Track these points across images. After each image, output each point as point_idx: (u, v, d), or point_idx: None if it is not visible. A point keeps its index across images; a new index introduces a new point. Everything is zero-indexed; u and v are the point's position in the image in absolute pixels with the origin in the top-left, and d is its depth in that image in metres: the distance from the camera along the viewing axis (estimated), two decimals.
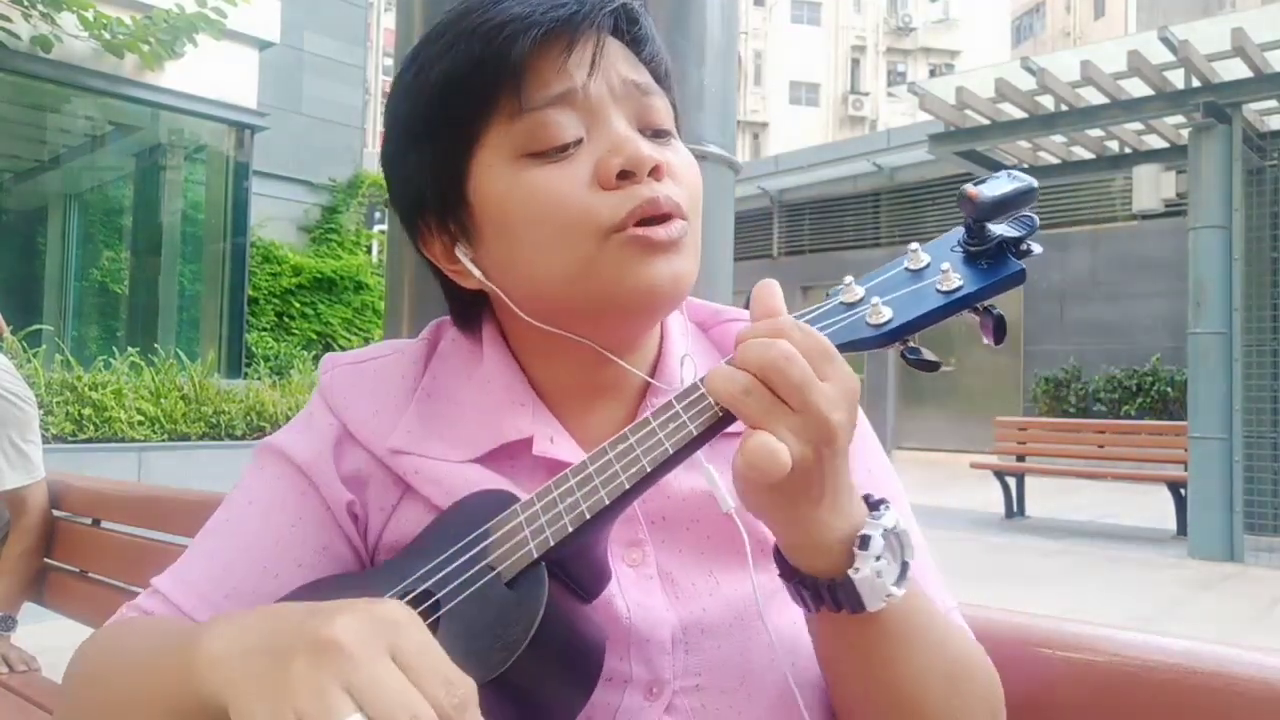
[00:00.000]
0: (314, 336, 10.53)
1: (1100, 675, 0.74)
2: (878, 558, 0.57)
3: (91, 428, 5.50)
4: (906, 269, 0.60)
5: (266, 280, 10.37)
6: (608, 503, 0.55)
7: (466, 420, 0.70)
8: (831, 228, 16.30)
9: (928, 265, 0.59)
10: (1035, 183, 0.57)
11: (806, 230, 16.52)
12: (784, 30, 35.35)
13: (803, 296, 16.47)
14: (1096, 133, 7.81)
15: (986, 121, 7.69)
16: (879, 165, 15.03)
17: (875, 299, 0.58)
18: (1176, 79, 6.80)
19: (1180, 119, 7.05)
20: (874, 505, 0.60)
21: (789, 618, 0.69)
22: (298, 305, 10.57)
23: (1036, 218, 0.58)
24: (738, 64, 1.58)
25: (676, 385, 0.71)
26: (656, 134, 0.68)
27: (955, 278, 0.57)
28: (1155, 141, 7.86)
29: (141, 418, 5.75)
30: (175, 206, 8.76)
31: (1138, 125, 7.52)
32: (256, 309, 10.06)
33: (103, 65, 7.14)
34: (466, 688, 0.46)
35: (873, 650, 0.61)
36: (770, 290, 0.58)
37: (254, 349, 9.60)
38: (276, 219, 10.67)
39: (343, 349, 10.86)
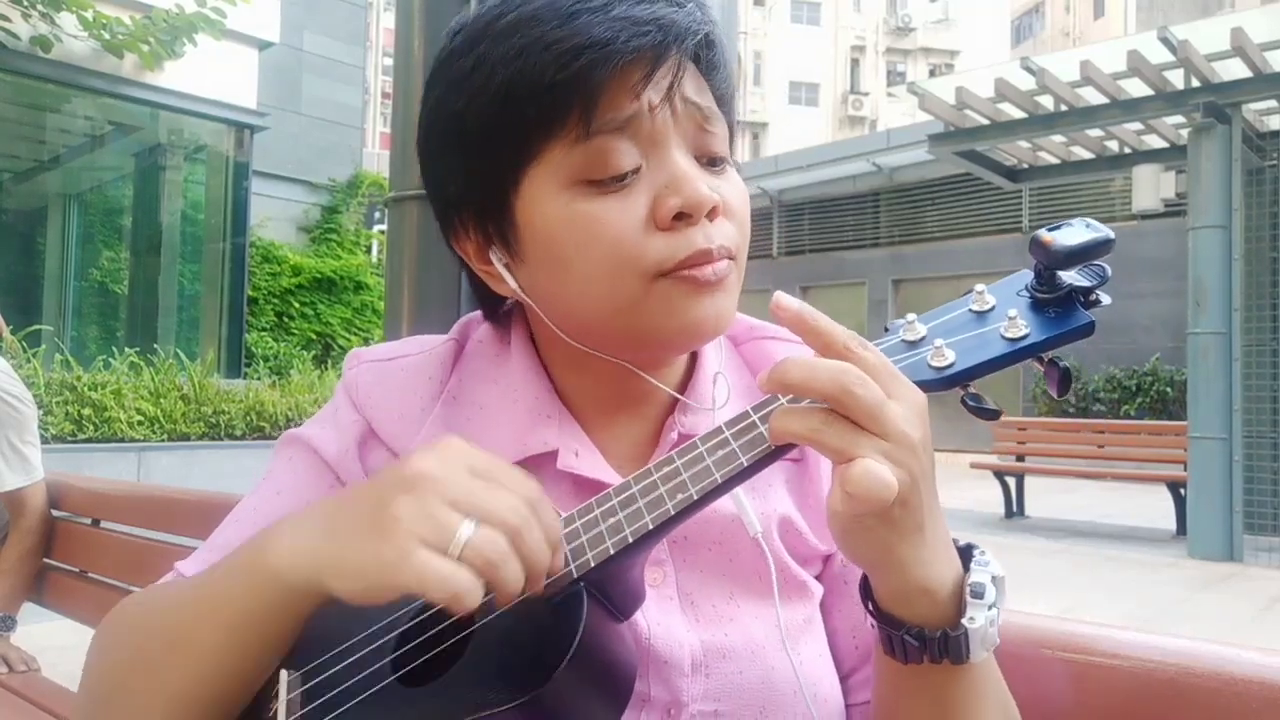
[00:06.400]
0: (313, 336, 10.53)
1: (1099, 675, 0.74)
2: (990, 606, 0.54)
3: (91, 428, 5.50)
4: (971, 310, 0.58)
5: (266, 280, 10.36)
6: (651, 527, 0.54)
7: (491, 428, 0.69)
8: (831, 227, 16.31)
9: (992, 308, 0.58)
10: (1112, 234, 0.55)
11: (806, 230, 16.52)
12: (783, 30, 35.34)
13: (802, 296, 16.48)
14: (1096, 133, 7.81)
15: (986, 121, 7.69)
16: (878, 165, 15.04)
17: (938, 340, 0.57)
18: (1176, 79, 6.80)
19: (1180, 119, 7.05)
20: (964, 551, 0.57)
21: (814, 651, 0.68)
22: (297, 305, 10.57)
23: (1109, 268, 0.56)
24: (737, 64, 1.58)
25: (708, 403, 0.70)
26: (712, 161, 0.66)
27: (1021, 325, 0.56)
28: (1155, 141, 7.86)
29: (141, 418, 5.75)
30: (175, 206, 8.76)
31: (1137, 125, 7.52)
32: (256, 309, 10.06)
33: (102, 65, 7.14)
34: (533, 482, 0.54)
35: (951, 700, 0.58)
36: (796, 308, 0.52)
37: (253, 349, 9.60)
38: (276, 219, 10.66)
39: (342, 349, 10.73)
